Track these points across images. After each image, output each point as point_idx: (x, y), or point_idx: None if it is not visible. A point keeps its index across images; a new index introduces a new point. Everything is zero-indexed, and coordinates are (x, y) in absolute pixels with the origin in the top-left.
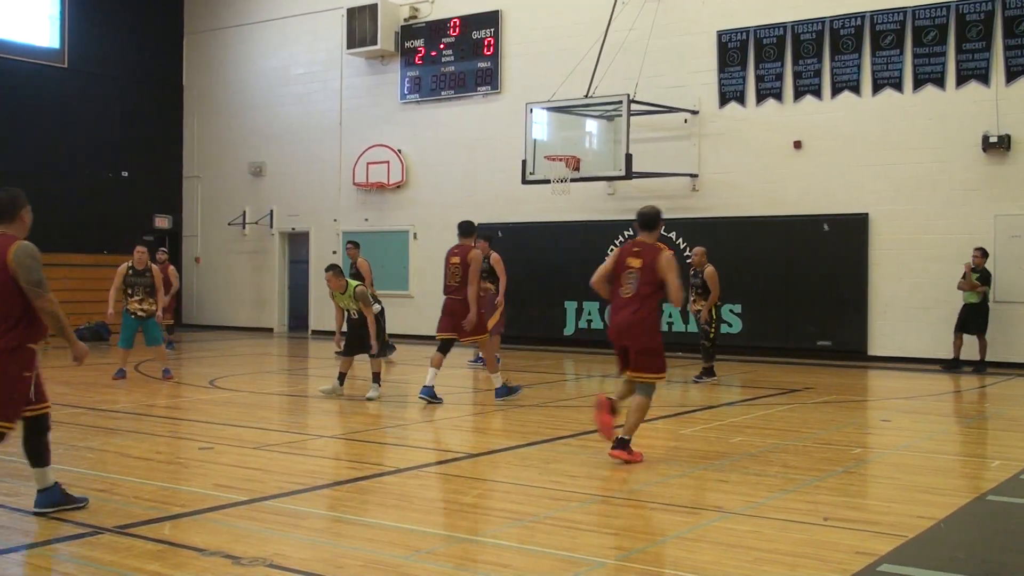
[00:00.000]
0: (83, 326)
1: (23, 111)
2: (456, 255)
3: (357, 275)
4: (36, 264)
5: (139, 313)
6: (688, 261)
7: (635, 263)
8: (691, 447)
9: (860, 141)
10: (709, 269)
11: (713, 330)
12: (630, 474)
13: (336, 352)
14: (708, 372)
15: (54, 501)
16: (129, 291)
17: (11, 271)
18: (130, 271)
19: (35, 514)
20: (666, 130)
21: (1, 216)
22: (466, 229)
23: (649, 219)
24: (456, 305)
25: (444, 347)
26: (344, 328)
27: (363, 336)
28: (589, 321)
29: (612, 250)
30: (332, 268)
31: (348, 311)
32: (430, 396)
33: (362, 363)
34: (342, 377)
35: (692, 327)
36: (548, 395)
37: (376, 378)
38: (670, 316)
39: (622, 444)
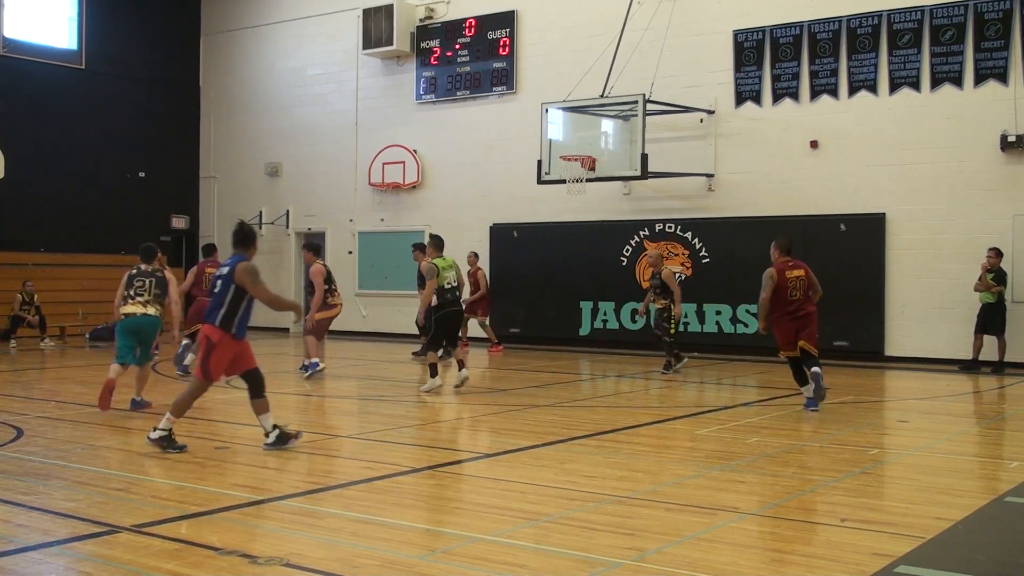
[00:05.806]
0: (100, 326)
1: (41, 112)
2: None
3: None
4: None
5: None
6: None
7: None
8: (707, 448)
9: (877, 141)
10: (667, 271)
11: (673, 327)
12: (647, 474)
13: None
14: (668, 366)
15: None
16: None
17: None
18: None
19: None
20: (682, 130)
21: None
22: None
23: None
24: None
25: None
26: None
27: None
28: (605, 321)
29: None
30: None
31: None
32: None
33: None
34: (433, 368)
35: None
36: (563, 395)
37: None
38: (686, 316)
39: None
